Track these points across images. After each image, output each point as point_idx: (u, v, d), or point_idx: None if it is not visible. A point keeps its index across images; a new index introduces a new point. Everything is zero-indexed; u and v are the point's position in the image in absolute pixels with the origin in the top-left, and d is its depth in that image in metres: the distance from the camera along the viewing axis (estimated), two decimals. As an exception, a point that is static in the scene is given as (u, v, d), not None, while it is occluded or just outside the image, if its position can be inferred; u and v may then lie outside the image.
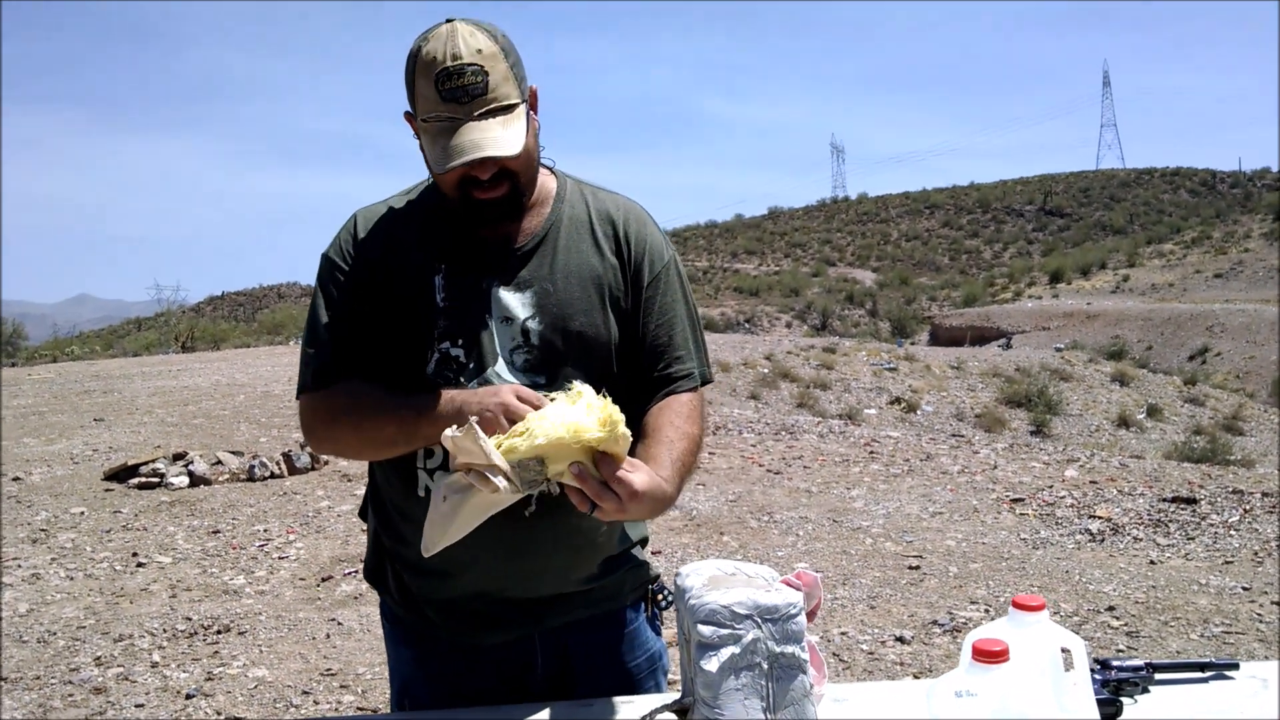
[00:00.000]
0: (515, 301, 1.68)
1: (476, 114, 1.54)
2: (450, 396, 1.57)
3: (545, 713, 1.67)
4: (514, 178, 1.63)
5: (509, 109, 1.57)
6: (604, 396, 1.44)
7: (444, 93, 1.53)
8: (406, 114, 1.64)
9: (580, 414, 1.39)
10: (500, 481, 1.37)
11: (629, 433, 1.42)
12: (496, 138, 1.54)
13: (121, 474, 8.46)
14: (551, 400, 1.46)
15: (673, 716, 1.40)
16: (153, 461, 8.59)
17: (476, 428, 1.38)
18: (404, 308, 1.68)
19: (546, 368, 1.68)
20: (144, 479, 8.32)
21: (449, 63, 1.52)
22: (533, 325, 1.68)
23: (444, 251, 1.70)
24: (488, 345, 1.67)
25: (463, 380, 1.66)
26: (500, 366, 1.67)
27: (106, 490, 8.16)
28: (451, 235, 1.71)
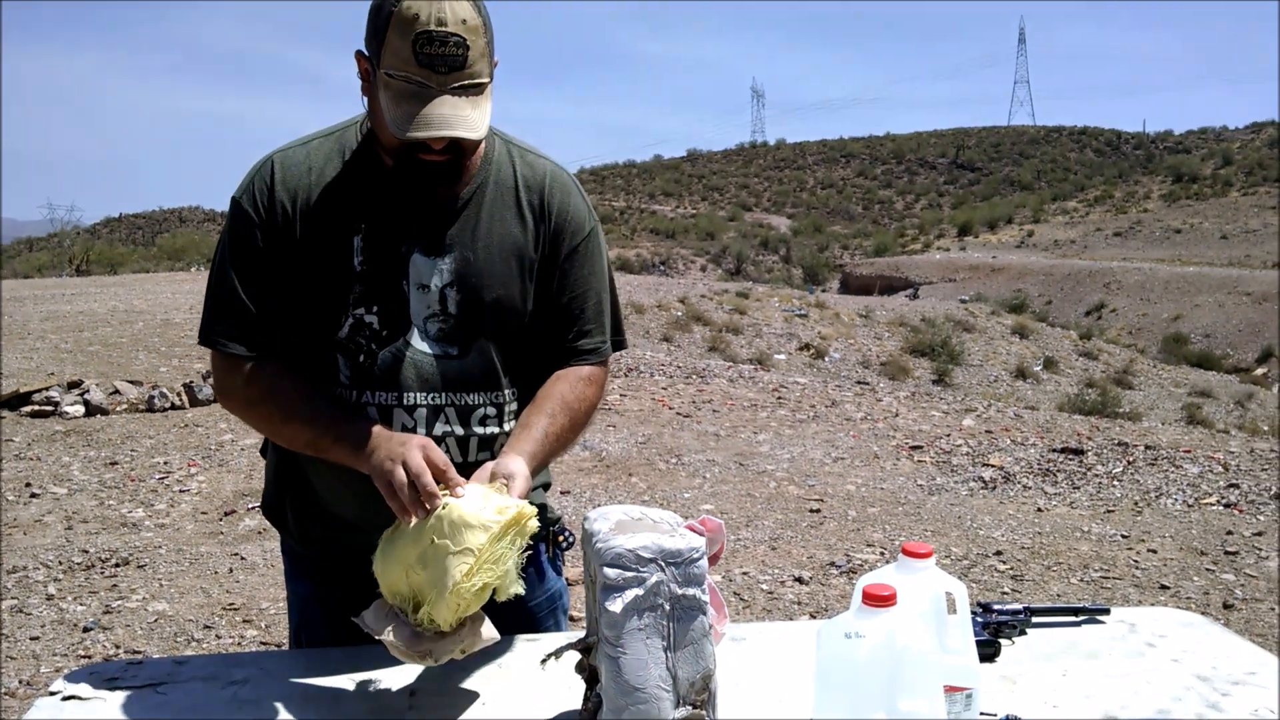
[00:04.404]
0: (433, 268, 1.65)
1: (450, 87, 1.50)
2: (371, 443, 1.54)
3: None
4: (462, 149, 1.59)
5: (480, 88, 1.53)
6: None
7: (420, 56, 1.48)
8: (361, 54, 1.57)
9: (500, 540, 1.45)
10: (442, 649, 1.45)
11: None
12: (467, 118, 1.51)
13: (13, 401, 8.17)
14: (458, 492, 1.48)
15: (577, 654, 1.44)
16: (46, 389, 8.32)
17: (403, 652, 1.44)
18: (319, 268, 1.63)
19: (460, 338, 1.67)
20: (37, 407, 8.06)
21: (432, 27, 1.47)
22: (450, 294, 1.66)
23: (364, 210, 1.65)
24: (402, 313, 1.65)
25: (374, 347, 1.64)
26: (414, 336, 1.65)
27: (-3, 418, 7.89)
28: (374, 191, 1.66)
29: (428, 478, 1.46)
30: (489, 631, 1.51)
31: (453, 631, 1.44)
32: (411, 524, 1.47)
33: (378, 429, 1.58)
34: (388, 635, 1.43)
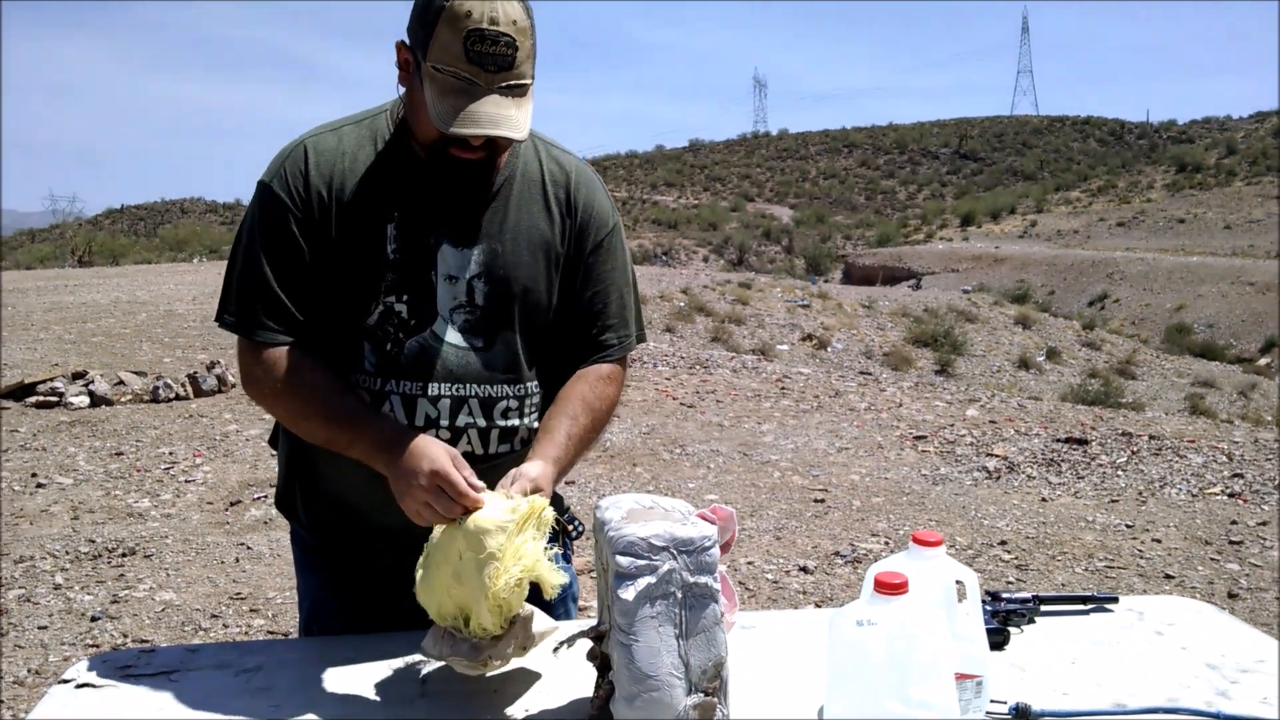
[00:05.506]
0: (462, 259, 1.66)
1: (497, 86, 1.51)
2: (389, 451, 1.55)
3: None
4: (496, 147, 1.60)
5: (524, 89, 1.54)
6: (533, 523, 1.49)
7: (471, 53, 1.49)
8: (402, 44, 1.58)
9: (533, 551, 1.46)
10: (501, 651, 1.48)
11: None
12: (512, 117, 1.52)
13: (18, 392, 8.19)
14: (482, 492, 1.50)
15: (589, 642, 1.45)
16: (51, 380, 8.33)
17: (468, 666, 1.47)
18: (352, 256, 1.64)
19: (486, 330, 1.68)
20: (42, 398, 8.08)
21: (485, 25, 1.48)
22: (478, 285, 1.67)
23: (397, 199, 1.65)
24: (430, 304, 1.65)
25: (402, 336, 1.64)
26: (440, 326, 1.66)
27: (2, 409, 7.90)
28: (407, 180, 1.66)
29: (463, 489, 1.49)
30: (542, 624, 1.52)
31: (505, 632, 1.47)
32: (436, 538, 1.50)
33: (395, 432, 1.59)
34: (451, 656, 1.47)
